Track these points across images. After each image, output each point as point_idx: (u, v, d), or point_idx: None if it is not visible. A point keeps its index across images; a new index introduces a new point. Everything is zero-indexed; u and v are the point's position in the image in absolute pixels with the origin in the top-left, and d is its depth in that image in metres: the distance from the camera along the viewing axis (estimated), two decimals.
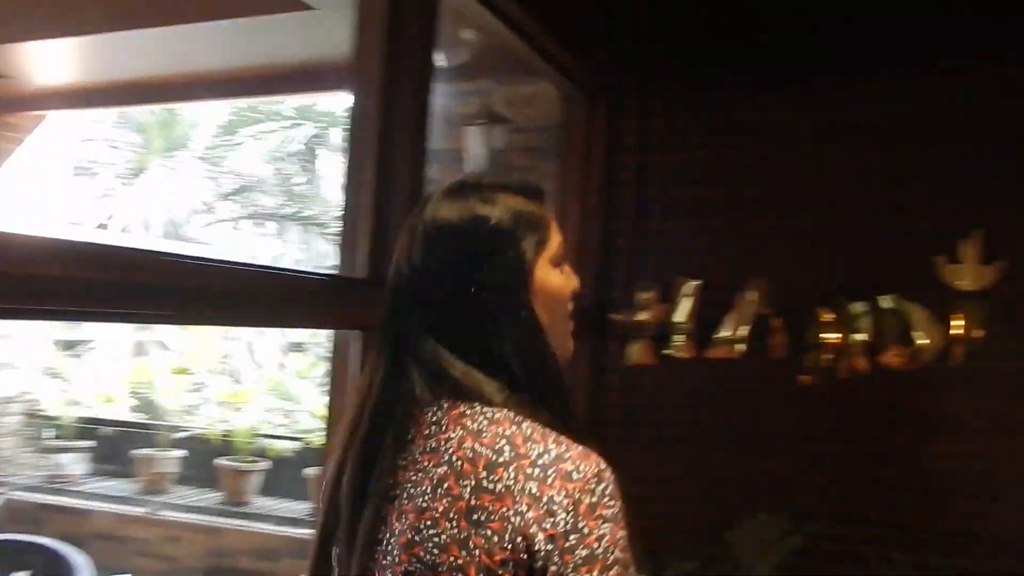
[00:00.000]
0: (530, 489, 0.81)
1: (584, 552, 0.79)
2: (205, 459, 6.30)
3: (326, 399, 1.69)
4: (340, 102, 9.29)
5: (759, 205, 2.56)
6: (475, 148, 2.98)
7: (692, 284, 2.56)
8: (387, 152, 1.73)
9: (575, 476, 0.82)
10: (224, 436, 6.40)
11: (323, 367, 7.15)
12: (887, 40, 2.41)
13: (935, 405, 2.32)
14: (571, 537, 0.79)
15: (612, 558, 0.80)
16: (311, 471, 5.66)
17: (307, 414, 6.67)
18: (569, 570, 0.78)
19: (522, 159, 3.06)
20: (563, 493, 0.81)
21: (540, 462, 0.83)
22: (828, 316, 2.38)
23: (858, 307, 2.36)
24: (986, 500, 2.25)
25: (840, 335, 2.36)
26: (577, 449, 0.85)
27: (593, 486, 0.82)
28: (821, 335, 2.37)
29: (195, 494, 6.30)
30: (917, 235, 2.34)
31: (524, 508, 0.80)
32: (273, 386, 7.28)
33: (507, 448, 0.84)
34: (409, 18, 1.77)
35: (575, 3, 2.49)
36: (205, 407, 7.27)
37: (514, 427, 0.86)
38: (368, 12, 1.76)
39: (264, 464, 6.21)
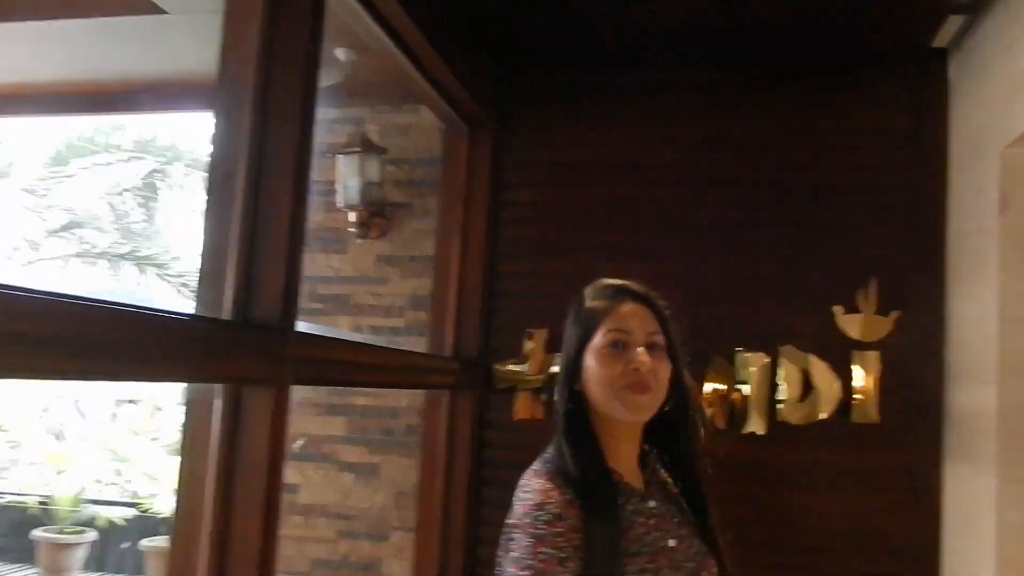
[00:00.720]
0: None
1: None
2: (20, 530, 5.51)
3: (175, 460, 1.37)
4: (186, 132, 8.69)
5: (655, 249, 2.43)
6: (348, 179, 2.71)
7: None
8: (260, 183, 1.46)
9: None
10: (43, 503, 5.61)
11: (161, 420, 6.47)
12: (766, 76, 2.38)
13: (827, 459, 2.22)
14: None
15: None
16: (148, 543, 5.03)
17: (143, 476, 5.97)
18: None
19: (399, 193, 2.82)
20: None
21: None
22: (719, 368, 2.26)
23: (750, 359, 2.25)
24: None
25: (726, 387, 2.25)
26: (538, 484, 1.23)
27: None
28: (713, 387, 2.25)
29: (6, 572, 5.49)
30: (814, 285, 2.28)
31: None
32: (103, 444, 6.49)
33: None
34: (289, 27, 1.51)
35: (467, 26, 2.30)
36: (20, 469, 6.39)
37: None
38: (238, 19, 1.49)
39: (90, 535, 5.48)
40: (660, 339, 1.24)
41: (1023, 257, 1.78)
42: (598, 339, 1.24)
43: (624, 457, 1.25)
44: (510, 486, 2.46)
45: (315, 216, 2.86)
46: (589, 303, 1.29)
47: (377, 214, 2.79)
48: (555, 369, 2.44)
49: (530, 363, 2.42)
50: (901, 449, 2.15)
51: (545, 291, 2.48)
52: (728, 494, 2.13)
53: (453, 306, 2.53)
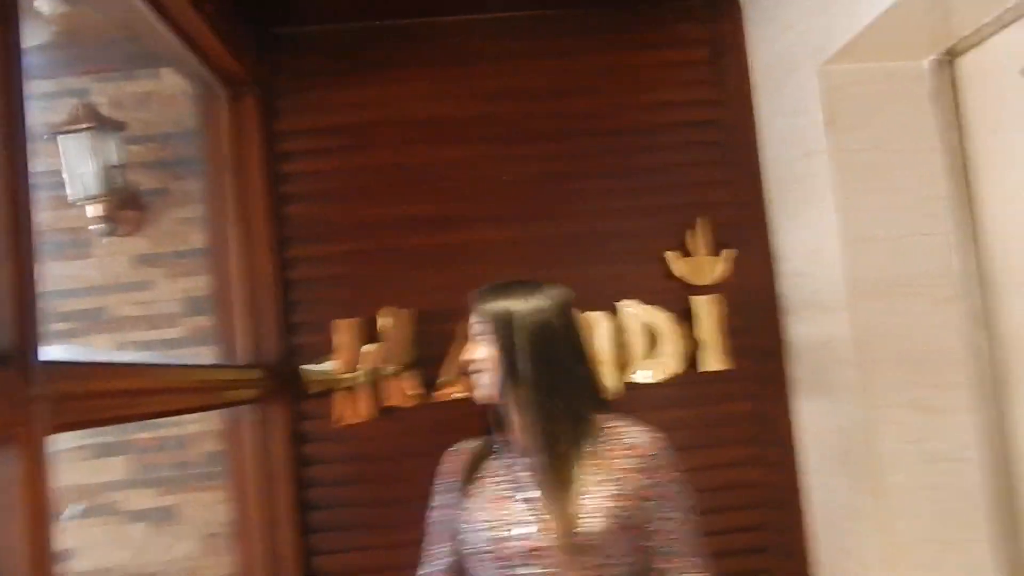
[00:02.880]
0: None
1: None
2: None
3: None
4: None
5: (464, 215, 2.16)
6: (78, 165, 2.17)
7: (402, 314, 2.09)
8: None
9: None
10: None
11: None
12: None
13: (680, 415, 2.13)
14: None
15: None
16: None
17: None
18: None
19: (149, 177, 2.32)
20: None
21: None
22: None
23: (592, 320, 2.08)
24: None
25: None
26: None
27: None
28: None
29: None
30: (643, 234, 2.14)
31: None
32: None
33: None
34: None
35: None
36: None
37: None
38: None
39: None
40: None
41: (856, 176, 1.73)
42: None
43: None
44: (344, 506, 2.14)
45: (40, 216, 2.28)
46: None
47: (125, 206, 2.27)
48: (387, 360, 2.16)
49: (341, 359, 2.08)
50: (752, 393, 2.09)
51: (347, 275, 2.14)
52: None
53: (242, 305, 2.11)
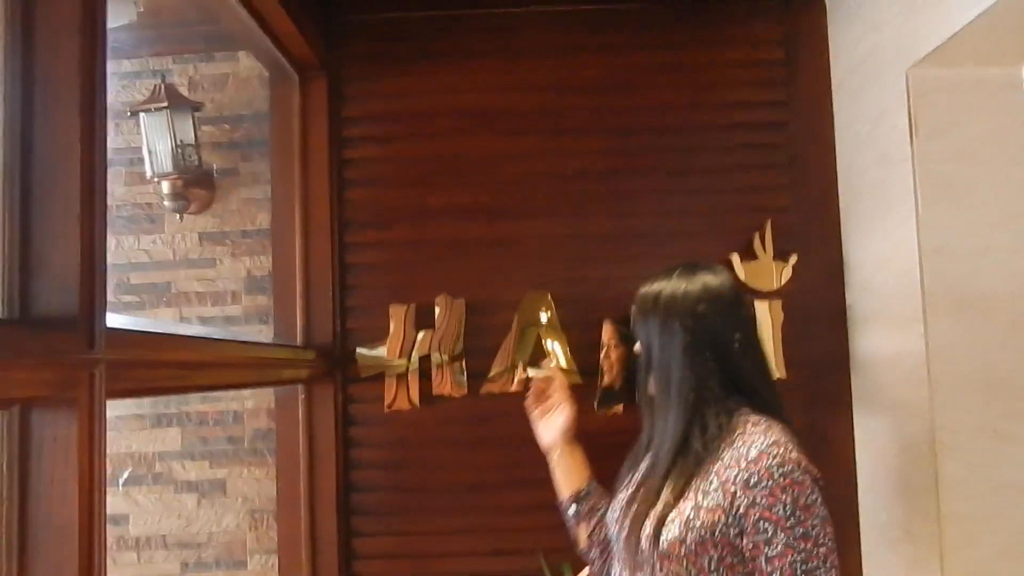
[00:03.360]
0: None
1: None
2: None
3: None
4: None
5: (521, 207, 2.14)
6: (155, 142, 2.23)
7: (456, 303, 2.08)
8: (33, 144, 1.04)
9: None
10: None
11: None
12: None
13: None
14: None
15: None
16: None
17: None
18: None
19: (220, 157, 2.37)
20: None
21: None
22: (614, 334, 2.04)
23: None
24: None
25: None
26: None
27: None
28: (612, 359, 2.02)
29: None
30: (704, 234, 2.08)
31: None
32: None
33: None
34: None
35: None
36: None
37: None
38: None
39: None
40: None
41: (937, 186, 1.63)
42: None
43: None
44: (384, 490, 2.15)
45: (117, 190, 2.37)
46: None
47: (196, 184, 2.33)
48: (439, 348, 2.16)
49: (393, 345, 2.08)
50: (809, 406, 2.01)
51: (402, 261, 2.14)
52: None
53: (299, 286, 2.14)
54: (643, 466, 1.43)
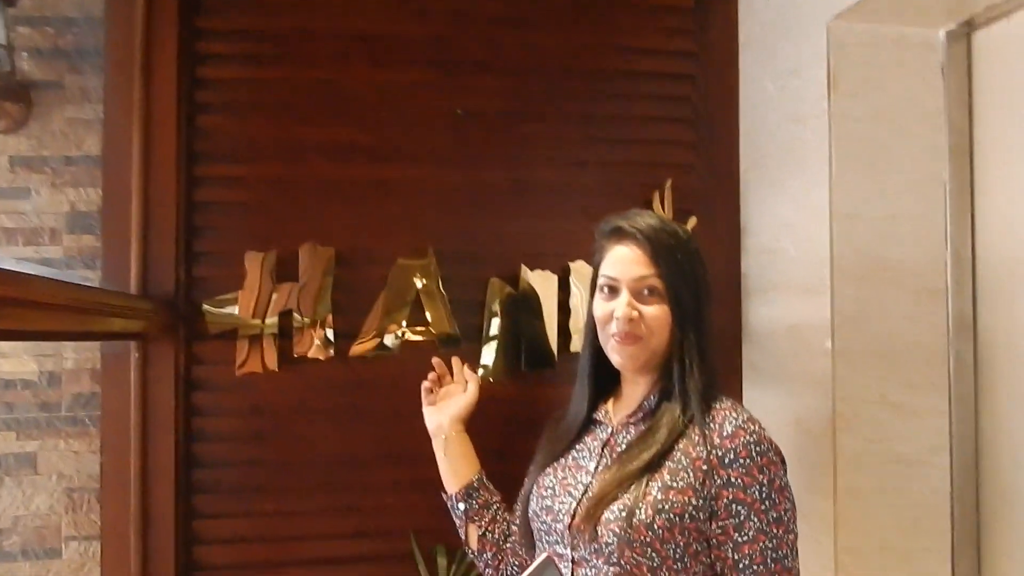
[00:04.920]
0: None
1: None
2: None
3: None
4: None
5: (404, 148, 1.90)
6: None
7: (323, 252, 1.83)
8: None
9: None
10: None
11: None
12: None
13: None
14: None
15: None
16: None
17: None
18: None
19: (40, 68, 1.97)
20: None
21: None
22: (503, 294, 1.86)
23: (536, 279, 1.87)
24: None
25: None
26: None
27: None
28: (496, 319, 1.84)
29: None
30: (602, 189, 1.92)
31: None
32: None
33: None
34: None
35: None
36: None
37: None
38: None
39: None
40: (654, 283, 1.20)
41: (851, 147, 1.55)
42: (598, 284, 1.27)
43: (626, 400, 1.29)
44: (233, 465, 1.85)
45: None
46: (596, 243, 1.30)
47: (7, 97, 1.93)
48: (300, 304, 1.88)
49: (246, 298, 1.80)
50: None
51: (263, 202, 1.85)
52: (501, 449, 1.77)
53: (135, 225, 1.81)
54: (593, 442, 1.28)
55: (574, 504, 1.20)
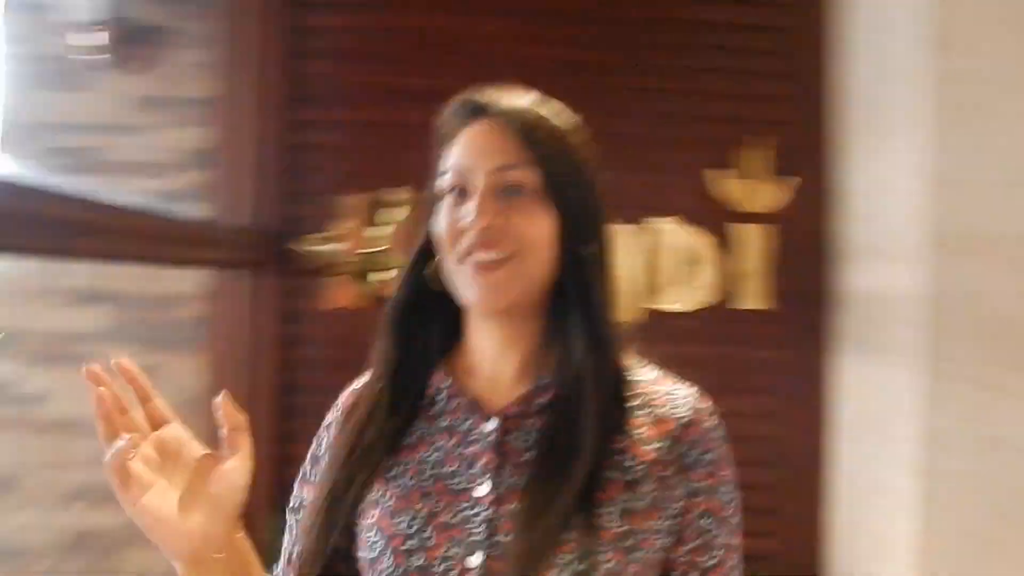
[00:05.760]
0: None
1: None
2: None
3: None
4: None
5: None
6: None
7: (415, 196, 1.89)
8: None
9: None
10: None
11: None
12: None
13: (706, 353, 1.90)
14: None
15: None
16: None
17: None
18: None
19: (164, 13, 2.10)
20: None
21: None
22: None
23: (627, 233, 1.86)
24: None
25: None
26: None
27: None
28: None
29: None
30: (689, 144, 1.89)
31: None
32: None
33: None
34: None
35: None
36: None
37: None
38: None
39: None
40: (522, 175, 0.76)
41: (957, 109, 1.45)
42: (442, 188, 0.79)
43: (492, 368, 0.81)
44: (324, 392, 1.99)
45: (49, 42, 2.10)
46: (440, 130, 0.83)
47: (132, 39, 2.06)
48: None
49: (345, 237, 1.90)
50: (789, 341, 1.87)
51: (362, 146, 1.93)
52: None
53: (246, 164, 1.93)
54: (467, 448, 0.79)
55: (477, 559, 0.73)
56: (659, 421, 0.78)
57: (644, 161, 1.89)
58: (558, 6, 1.91)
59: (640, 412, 0.78)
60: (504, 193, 0.76)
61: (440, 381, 0.83)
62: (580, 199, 0.79)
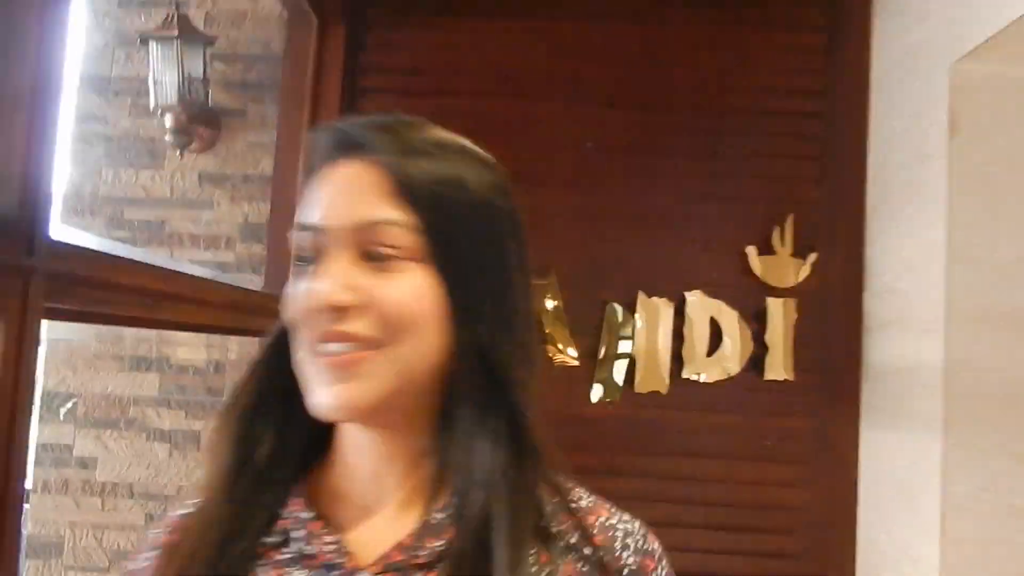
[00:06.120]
0: None
1: None
2: None
3: None
4: None
5: (536, 175, 2.04)
6: (162, 73, 2.14)
7: None
8: None
9: None
10: None
11: None
12: None
13: (732, 422, 1.95)
14: None
15: None
16: None
17: None
18: None
19: (230, 97, 2.28)
20: None
21: None
22: (622, 318, 1.94)
23: (651, 306, 1.94)
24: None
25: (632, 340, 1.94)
26: None
27: None
28: (620, 341, 1.93)
29: None
30: (722, 222, 1.98)
31: None
32: None
33: None
34: None
35: None
36: None
37: None
38: None
39: None
40: (395, 234, 0.56)
41: (972, 190, 1.54)
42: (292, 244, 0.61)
43: (368, 489, 0.60)
44: None
45: (121, 121, 2.28)
46: (306, 163, 0.65)
47: (201, 121, 2.24)
48: None
49: None
50: (816, 409, 1.91)
51: None
52: (613, 465, 1.87)
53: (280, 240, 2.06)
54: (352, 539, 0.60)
55: None
56: (600, 568, 0.59)
57: (682, 237, 1.98)
58: (604, 94, 2.03)
59: (572, 555, 0.58)
60: (369, 259, 0.57)
61: (297, 509, 0.59)
62: (477, 263, 0.59)
